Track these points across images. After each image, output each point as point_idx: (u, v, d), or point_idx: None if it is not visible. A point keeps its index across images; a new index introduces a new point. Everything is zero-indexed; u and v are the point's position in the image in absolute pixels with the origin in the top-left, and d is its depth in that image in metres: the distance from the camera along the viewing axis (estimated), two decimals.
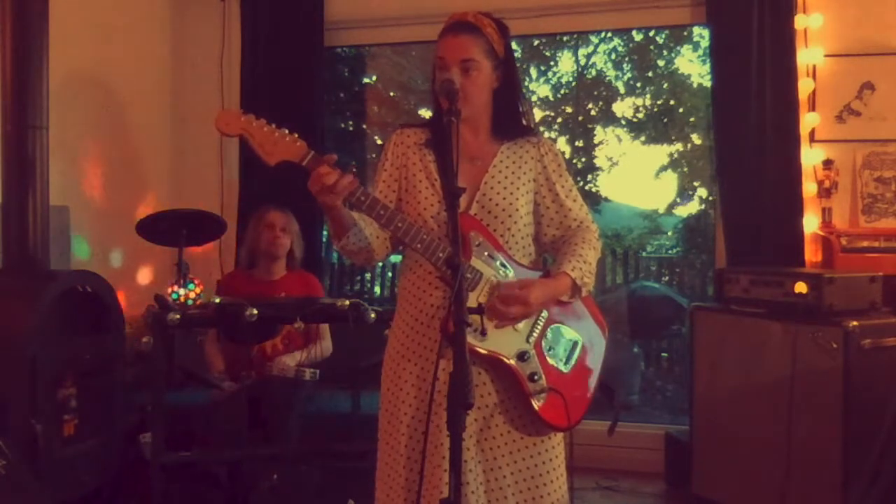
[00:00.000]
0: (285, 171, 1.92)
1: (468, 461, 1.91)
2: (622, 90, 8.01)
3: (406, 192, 2.09)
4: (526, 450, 2.01)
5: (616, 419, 2.17)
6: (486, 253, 1.98)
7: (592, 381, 2.08)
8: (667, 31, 7.13)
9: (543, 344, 2.00)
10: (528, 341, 1.98)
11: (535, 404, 1.96)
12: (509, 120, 2.11)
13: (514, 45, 2.13)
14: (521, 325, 1.98)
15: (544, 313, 2.02)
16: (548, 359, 2.00)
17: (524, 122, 2.13)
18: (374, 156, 7.44)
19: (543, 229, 2.12)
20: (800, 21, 3.81)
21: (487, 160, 2.07)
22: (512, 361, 1.95)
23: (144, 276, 4.45)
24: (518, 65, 2.19)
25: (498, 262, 1.99)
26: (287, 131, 1.90)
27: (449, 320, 1.87)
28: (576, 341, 2.05)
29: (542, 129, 7.44)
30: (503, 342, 1.95)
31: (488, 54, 2.01)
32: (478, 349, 1.91)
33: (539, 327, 2.00)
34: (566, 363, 2.03)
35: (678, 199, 8.13)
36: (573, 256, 2.03)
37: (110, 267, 4.19)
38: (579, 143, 7.76)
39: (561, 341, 2.03)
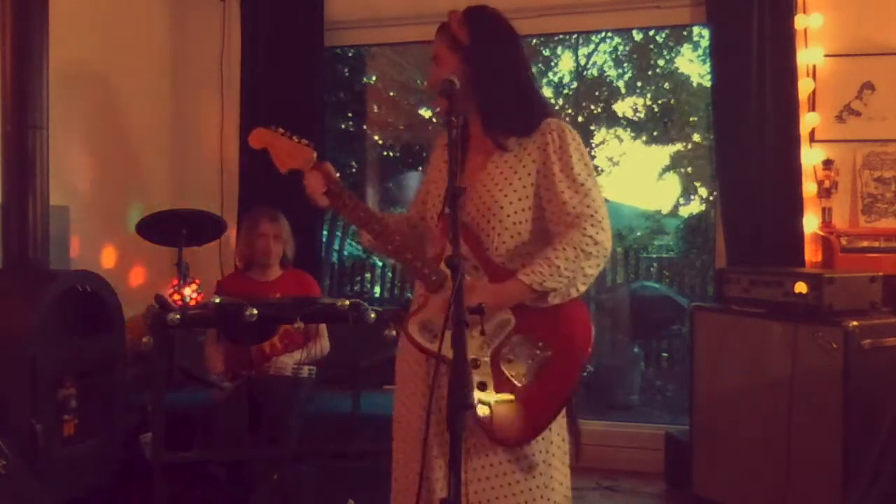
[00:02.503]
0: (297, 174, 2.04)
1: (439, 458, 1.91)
2: (623, 90, 8.01)
3: (426, 194, 2.12)
4: (486, 457, 1.91)
5: (577, 446, 2.04)
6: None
7: (556, 400, 1.90)
8: (667, 31, 7.13)
9: (504, 353, 1.89)
10: (483, 349, 1.89)
11: (479, 414, 1.85)
12: (492, 117, 1.98)
13: None
14: (476, 331, 1.87)
15: (510, 321, 1.91)
16: (504, 369, 1.88)
17: (519, 119, 1.98)
18: (373, 156, 7.45)
19: (547, 224, 1.97)
20: (800, 21, 3.81)
21: (487, 156, 2.02)
22: None
23: (144, 276, 4.45)
24: None
25: (471, 266, 1.92)
26: (304, 141, 2.02)
27: (405, 319, 1.94)
28: (541, 355, 1.89)
29: None
30: None
31: (452, 47, 1.97)
32: (425, 346, 1.91)
33: (502, 335, 1.90)
34: (525, 377, 1.88)
35: (680, 200, 8.14)
36: (539, 259, 1.87)
37: (110, 267, 4.19)
38: None
39: (523, 353, 1.90)
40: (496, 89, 1.96)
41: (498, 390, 1.87)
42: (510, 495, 1.91)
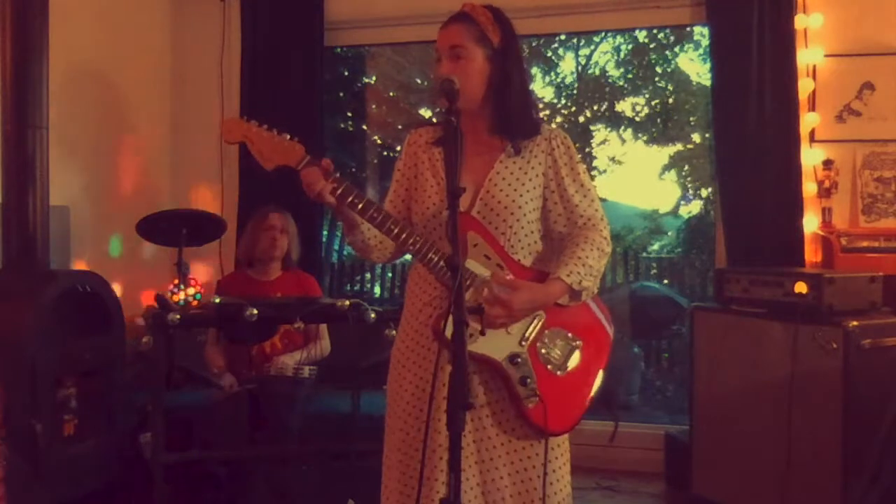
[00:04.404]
0: (286, 172, 1.94)
1: (464, 460, 1.90)
2: (624, 89, 8.02)
3: (415, 191, 2.09)
4: (522, 451, 1.98)
5: (615, 428, 2.12)
6: (483, 254, 1.95)
7: (591, 387, 2.02)
8: (668, 30, 7.14)
9: (539, 347, 1.97)
10: (521, 344, 1.95)
11: (526, 408, 1.93)
12: (511, 120, 2.01)
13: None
14: (514, 328, 1.95)
15: (541, 316, 1.98)
16: (542, 363, 1.96)
17: (530, 121, 2.04)
18: (373, 156, 7.45)
19: (551, 225, 2.07)
20: (800, 21, 3.80)
21: (493, 156, 2.03)
22: (503, 364, 1.93)
23: (144, 276, 4.45)
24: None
25: (495, 264, 1.96)
26: (287, 136, 1.91)
27: (440, 320, 1.89)
28: (574, 346, 2.01)
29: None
30: (494, 345, 1.92)
31: (480, 41, 1.97)
32: (469, 350, 1.88)
33: (535, 331, 1.97)
34: (562, 368, 1.98)
35: (681, 200, 8.16)
36: (571, 259, 1.97)
37: (110, 267, 4.19)
38: (578, 144, 7.78)
39: (558, 345, 1.99)
40: (515, 92, 2.01)
41: (540, 383, 1.94)
42: (547, 484, 1.98)
